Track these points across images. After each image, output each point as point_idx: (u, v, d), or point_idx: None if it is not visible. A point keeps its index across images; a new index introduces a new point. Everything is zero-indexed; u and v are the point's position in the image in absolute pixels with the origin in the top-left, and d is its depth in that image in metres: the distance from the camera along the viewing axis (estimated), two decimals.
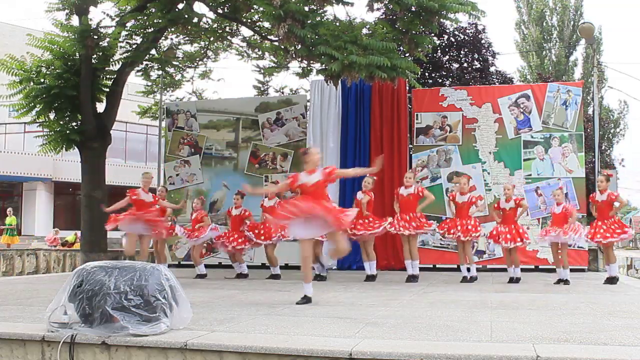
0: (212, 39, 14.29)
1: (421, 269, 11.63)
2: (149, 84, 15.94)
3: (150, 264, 4.88)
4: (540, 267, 11.88)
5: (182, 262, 13.83)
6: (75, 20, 11.54)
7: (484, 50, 18.60)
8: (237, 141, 14.19)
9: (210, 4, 11.98)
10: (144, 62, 13.60)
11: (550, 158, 12.33)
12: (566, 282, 9.36)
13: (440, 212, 12.06)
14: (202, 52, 15.05)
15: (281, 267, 11.05)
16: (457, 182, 10.38)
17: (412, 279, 9.75)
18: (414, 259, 9.87)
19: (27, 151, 27.48)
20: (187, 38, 14.18)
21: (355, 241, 10.44)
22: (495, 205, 9.96)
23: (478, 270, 11.70)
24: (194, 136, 14.47)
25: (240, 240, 10.64)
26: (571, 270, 11.50)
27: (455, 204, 9.88)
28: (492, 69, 18.84)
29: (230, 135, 14.26)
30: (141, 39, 12.22)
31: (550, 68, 30.88)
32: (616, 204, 9.25)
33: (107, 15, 12.20)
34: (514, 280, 9.48)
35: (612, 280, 9.28)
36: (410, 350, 3.96)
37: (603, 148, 25.99)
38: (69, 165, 26.05)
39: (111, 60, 12.12)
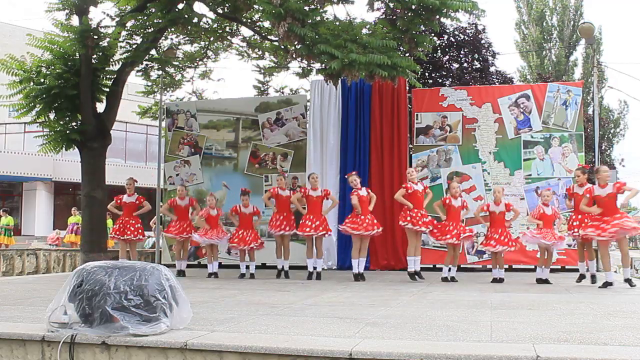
0: (212, 39, 14.29)
1: (421, 269, 11.67)
2: (149, 84, 15.93)
3: (150, 263, 4.88)
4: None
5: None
6: (75, 20, 11.53)
7: (484, 50, 18.57)
8: (237, 141, 14.19)
9: (210, 4, 11.98)
10: (144, 62, 13.59)
11: (550, 158, 12.33)
12: (546, 281, 9.49)
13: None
14: (202, 52, 15.05)
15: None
16: (454, 185, 10.43)
17: (418, 276, 9.93)
18: (418, 255, 10.10)
19: (27, 151, 27.47)
20: (187, 38, 14.18)
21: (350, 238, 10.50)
22: (485, 207, 10.05)
23: (477, 270, 11.77)
24: (194, 136, 14.48)
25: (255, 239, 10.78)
26: (571, 270, 11.60)
27: (450, 208, 10.05)
28: (492, 69, 18.81)
29: (230, 135, 14.27)
30: (141, 39, 12.21)
31: (550, 68, 30.85)
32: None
33: (107, 15, 12.20)
34: (497, 280, 9.70)
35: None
36: (410, 350, 3.96)
37: (603, 148, 25.97)
38: (69, 165, 26.04)
39: (111, 60, 12.10)
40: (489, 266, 12.06)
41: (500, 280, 9.66)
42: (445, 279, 9.90)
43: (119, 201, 11.49)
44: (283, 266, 10.82)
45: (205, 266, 11.83)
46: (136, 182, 11.58)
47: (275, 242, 10.89)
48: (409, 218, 9.89)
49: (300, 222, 10.49)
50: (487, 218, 9.91)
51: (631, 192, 8.61)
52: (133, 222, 11.21)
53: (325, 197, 10.49)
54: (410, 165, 12.80)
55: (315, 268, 10.43)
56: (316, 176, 10.72)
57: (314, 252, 10.49)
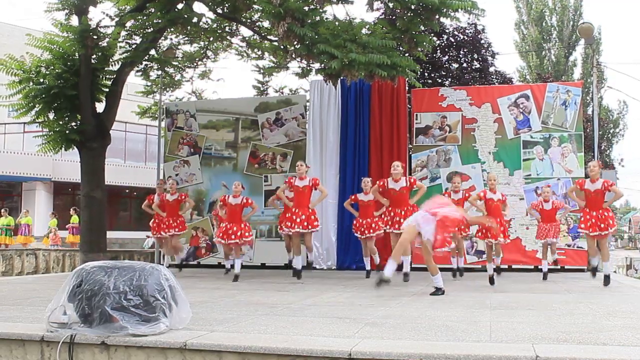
0: (211, 39, 14.30)
1: (420, 269, 11.66)
2: (149, 84, 15.94)
3: (150, 264, 4.88)
4: (539, 267, 11.87)
5: (183, 262, 13.79)
6: (74, 20, 11.54)
7: (484, 51, 18.57)
8: (236, 141, 14.19)
9: (210, 3, 11.98)
10: (144, 62, 13.60)
11: (550, 158, 12.33)
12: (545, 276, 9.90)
13: None
14: (202, 52, 15.05)
15: (281, 268, 11.04)
16: (455, 179, 10.50)
17: (406, 277, 9.19)
18: (407, 254, 9.13)
19: (27, 151, 27.43)
20: (186, 38, 14.19)
21: (357, 240, 10.55)
22: (481, 194, 9.68)
23: (478, 270, 11.75)
24: (194, 136, 14.47)
25: (246, 234, 10.00)
26: (570, 270, 11.64)
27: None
28: (491, 69, 18.80)
29: (230, 135, 14.26)
30: (140, 39, 12.22)
31: (549, 68, 30.86)
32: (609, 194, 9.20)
33: (107, 15, 12.22)
34: (491, 280, 8.97)
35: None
36: (409, 350, 3.96)
37: (602, 148, 25.98)
38: (68, 165, 26.03)
39: (111, 60, 12.12)
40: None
41: (491, 281, 8.94)
42: (454, 272, 10.17)
43: (151, 201, 11.51)
44: (294, 263, 10.09)
45: (206, 266, 11.86)
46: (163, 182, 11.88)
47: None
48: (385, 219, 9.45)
49: (280, 216, 10.10)
50: (483, 207, 9.58)
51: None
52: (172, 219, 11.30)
53: (314, 187, 9.71)
54: (410, 166, 12.80)
55: (295, 266, 9.89)
56: (301, 164, 9.84)
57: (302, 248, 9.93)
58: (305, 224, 9.54)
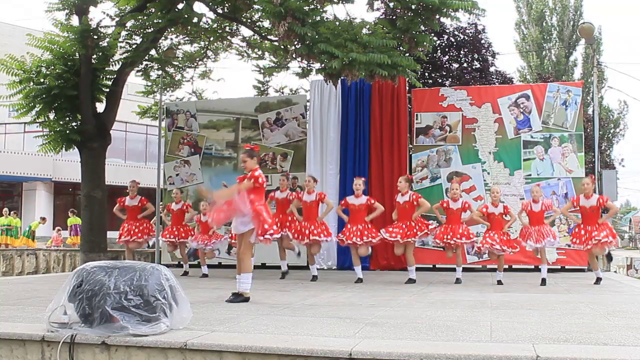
0: (212, 39, 14.30)
1: (421, 269, 11.66)
2: (149, 84, 15.92)
3: (150, 264, 4.88)
4: (539, 267, 11.86)
5: (181, 262, 13.80)
6: (75, 20, 11.54)
7: (484, 50, 18.57)
8: (237, 141, 14.19)
9: (210, 3, 11.99)
10: (144, 62, 13.59)
11: (550, 158, 12.33)
12: (543, 281, 9.43)
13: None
14: (202, 52, 15.05)
15: (279, 268, 11.01)
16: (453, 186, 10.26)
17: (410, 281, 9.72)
18: (410, 265, 9.86)
19: (27, 151, 27.47)
20: (187, 38, 14.18)
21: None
22: (483, 209, 9.77)
23: (478, 270, 11.76)
24: (194, 136, 14.48)
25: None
26: (571, 270, 11.64)
27: (448, 211, 9.93)
28: (492, 69, 18.81)
29: (230, 135, 14.28)
30: (141, 39, 12.22)
31: (550, 68, 30.89)
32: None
33: (107, 15, 12.21)
34: (499, 283, 9.50)
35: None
36: (410, 350, 3.96)
37: (603, 148, 25.98)
38: (69, 165, 26.05)
39: (111, 60, 12.13)
40: (489, 266, 12.06)
41: (499, 283, 9.49)
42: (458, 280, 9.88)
43: (122, 204, 11.52)
44: (287, 267, 10.76)
45: (207, 266, 11.84)
46: (138, 184, 11.62)
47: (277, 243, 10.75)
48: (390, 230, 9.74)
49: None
50: (486, 219, 9.70)
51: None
52: (137, 224, 11.33)
53: (320, 201, 10.14)
54: (411, 165, 12.80)
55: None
56: (310, 179, 10.27)
57: (315, 258, 10.42)
58: (316, 231, 9.98)
